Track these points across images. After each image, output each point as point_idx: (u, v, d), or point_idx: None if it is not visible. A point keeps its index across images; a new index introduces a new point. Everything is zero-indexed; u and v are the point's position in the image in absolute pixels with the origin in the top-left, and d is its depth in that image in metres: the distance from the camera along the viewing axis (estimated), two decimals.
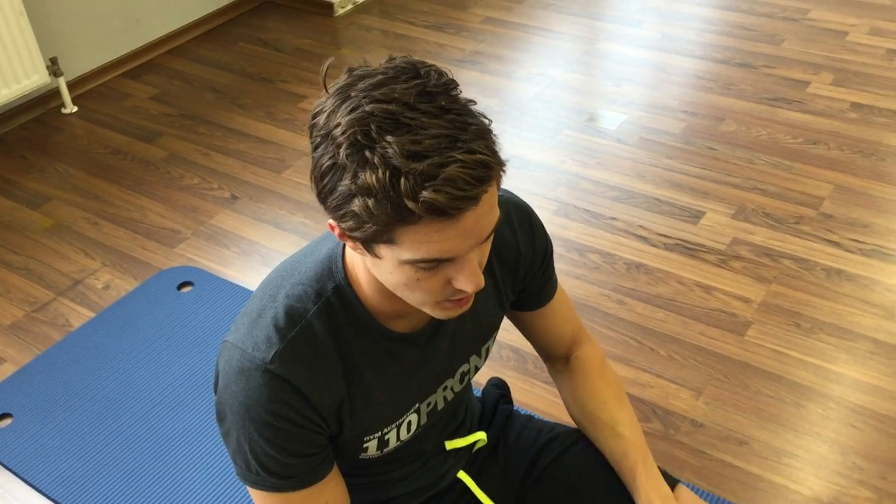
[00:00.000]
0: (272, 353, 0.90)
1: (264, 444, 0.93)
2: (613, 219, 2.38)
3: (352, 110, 0.76)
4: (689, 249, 2.26)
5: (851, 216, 2.34)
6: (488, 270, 1.07)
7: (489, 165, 0.76)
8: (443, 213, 0.75)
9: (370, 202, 0.75)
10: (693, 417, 1.82)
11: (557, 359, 1.26)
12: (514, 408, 1.37)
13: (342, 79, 0.81)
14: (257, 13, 3.67)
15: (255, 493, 1.00)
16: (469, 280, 0.82)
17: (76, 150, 2.83)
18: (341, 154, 0.76)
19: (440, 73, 0.80)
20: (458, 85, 0.82)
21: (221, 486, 1.72)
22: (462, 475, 1.25)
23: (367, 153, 0.74)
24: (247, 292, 2.20)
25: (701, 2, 3.54)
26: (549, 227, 2.26)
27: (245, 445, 0.94)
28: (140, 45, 3.30)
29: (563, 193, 2.49)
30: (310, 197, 2.55)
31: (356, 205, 0.76)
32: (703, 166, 2.56)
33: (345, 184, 0.76)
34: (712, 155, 2.61)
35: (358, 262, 0.93)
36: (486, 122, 0.80)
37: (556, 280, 1.19)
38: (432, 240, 0.77)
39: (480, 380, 1.69)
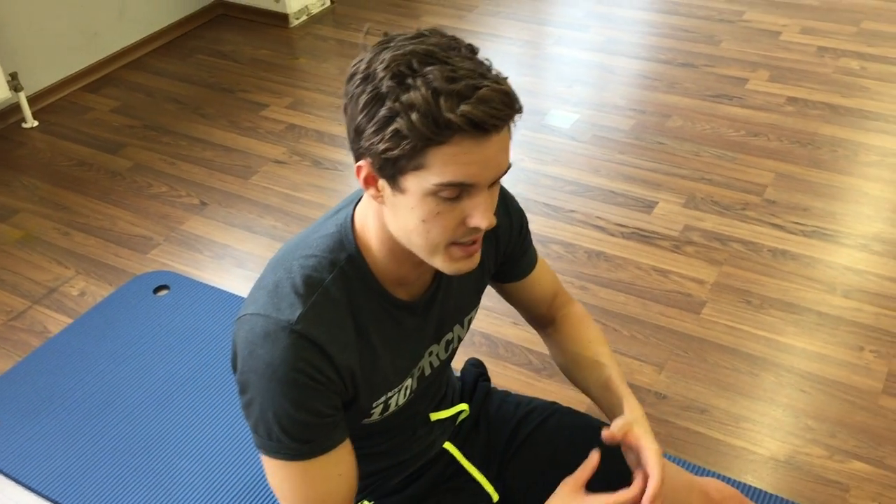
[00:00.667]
0: (297, 314, 0.97)
1: (287, 405, 0.98)
2: (572, 211, 2.50)
3: (394, 51, 0.88)
4: (645, 237, 2.39)
5: (793, 201, 2.50)
6: None
7: (513, 98, 0.89)
8: (478, 127, 0.86)
9: (413, 116, 0.85)
10: (657, 390, 1.94)
11: (546, 323, 1.36)
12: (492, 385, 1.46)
13: (378, 41, 0.94)
14: (213, 26, 3.73)
15: (272, 466, 1.03)
16: (484, 216, 0.92)
17: (40, 164, 2.85)
18: (384, 84, 0.86)
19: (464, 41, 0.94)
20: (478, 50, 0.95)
21: (209, 475, 1.78)
22: (448, 446, 1.33)
23: (410, 80, 0.86)
24: (223, 293, 2.26)
25: (642, 6, 3.71)
26: None
27: (268, 411, 0.98)
28: (99, 58, 3.33)
29: (524, 189, 2.60)
30: (278, 201, 2.62)
31: (398, 123, 0.86)
32: (653, 160, 2.71)
33: (386, 107, 0.86)
34: (661, 149, 2.76)
35: (369, 228, 1.02)
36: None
37: (534, 251, 1.29)
38: (460, 161, 0.87)
39: (458, 364, 1.78)
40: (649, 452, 1.10)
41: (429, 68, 0.86)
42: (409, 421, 1.24)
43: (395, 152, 0.88)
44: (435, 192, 0.90)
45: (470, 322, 1.26)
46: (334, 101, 3.13)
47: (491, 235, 1.19)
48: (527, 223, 1.26)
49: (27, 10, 3.01)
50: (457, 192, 0.90)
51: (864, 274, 2.22)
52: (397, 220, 0.96)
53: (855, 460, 1.76)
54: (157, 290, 2.28)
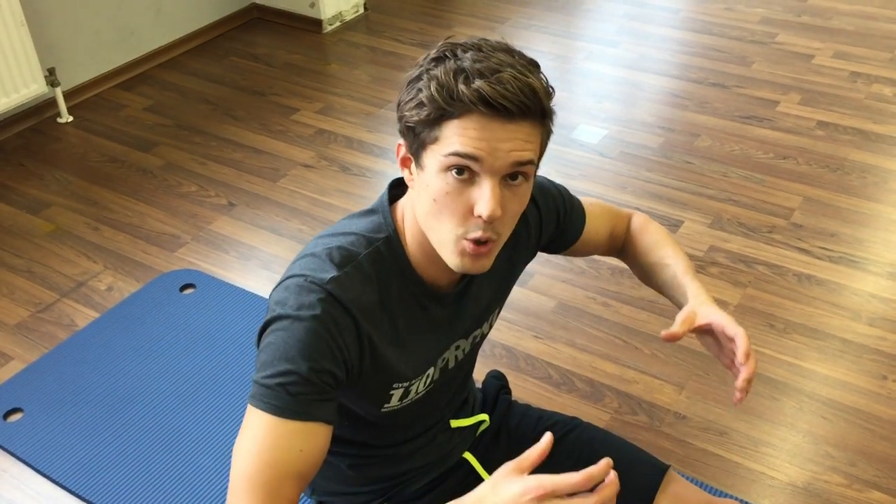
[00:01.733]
0: (330, 276, 1.00)
1: (298, 348, 0.96)
2: None
3: (445, 42, 0.98)
4: None
5: (820, 226, 2.48)
6: (509, 243, 1.16)
7: (537, 93, 0.93)
8: (488, 104, 0.90)
9: (433, 86, 0.93)
10: (676, 410, 1.94)
11: (618, 251, 1.40)
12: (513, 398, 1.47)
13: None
14: (247, 29, 3.77)
15: (249, 416, 0.99)
16: (487, 203, 0.93)
17: (73, 158, 2.89)
18: (426, 63, 0.96)
19: (532, 59, 0.99)
20: (539, 66, 0.99)
21: (229, 472, 1.79)
22: (467, 455, 1.34)
23: (446, 61, 0.94)
24: (247, 294, 2.28)
25: (674, 24, 3.71)
26: None
27: (279, 348, 0.97)
28: (134, 57, 3.37)
29: None
30: (305, 204, 2.65)
31: (422, 92, 0.94)
32: (680, 179, 2.70)
33: (421, 80, 0.95)
34: (689, 168, 2.75)
35: (408, 217, 1.05)
36: (550, 84, 0.98)
37: (580, 211, 1.29)
38: (469, 135, 0.92)
39: (479, 375, 1.78)
40: (721, 318, 1.11)
41: (467, 54, 0.94)
42: (429, 419, 1.25)
43: (415, 119, 0.95)
44: (446, 168, 0.94)
45: (495, 318, 1.28)
46: (364, 107, 3.16)
47: (523, 231, 1.20)
48: (565, 202, 1.26)
49: (65, 6, 3.06)
50: (464, 166, 0.93)
51: (889, 302, 2.20)
52: (419, 202, 1.00)
53: (874, 490, 1.75)
54: (183, 288, 2.31)
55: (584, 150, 2.87)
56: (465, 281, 1.13)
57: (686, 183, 2.68)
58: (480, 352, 2.05)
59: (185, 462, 1.83)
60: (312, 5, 3.67)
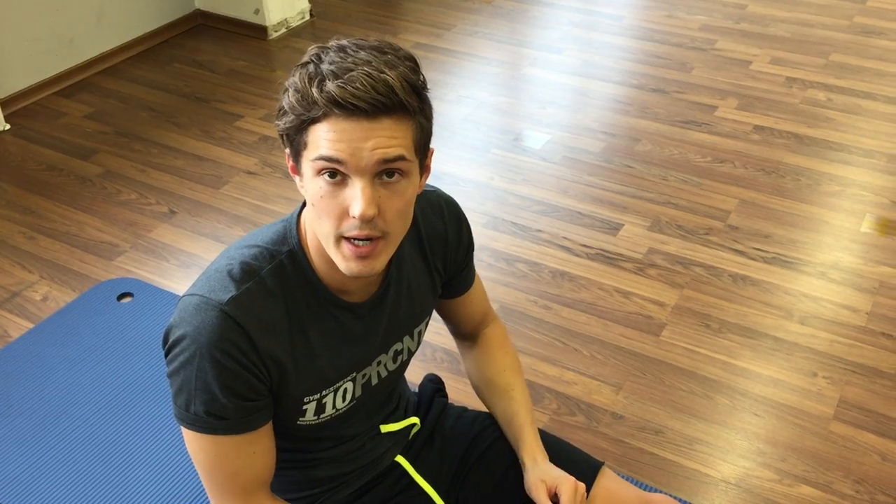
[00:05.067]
0: (227, 297, 1.00)
1: (209, 380, 1.00)
2: (539, 231, 2.53)
3: (314, 46, 0.98)
4: (609, 258, 2.42)
5: (755, 227, 2.54)
6: (421, 254, 1.19)
7: (394, 90, 0.92)
8: (340, 105, 0.90)
9: (292, 93, 0.94)
10: (613, 410, 1.96)
11: (468, 336, 1.40)
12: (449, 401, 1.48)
13: None
14: (191, 35, 3.74)
15: (188, 436, 1.05)
16: (357, 203, 0.93)
17: (9, 167, 2.84)
18: (294, 70, 0.96)
19: (406, 54, 0.98)
20: (417, 64, 0.98)
21: (164, 483, 1.77)
22: (399, 459, 1.33)
23: (308, 66, 0.94)
24: None
25: (618, 32, 3.76)
26: (479, 239, 2.39)
27: (191, 382, 1.00)
28: (74, 64, 3.32)
29: (492, 207, 2.63)
30: (248, 211, 2.63)
31: (285, 100, 0.96)
32: (621, 182, 2.74)
33: (287, 88, 0.96)
34: (629, 172, 2.80)
35: (308, 225, 1.05)
36: (419, 77, 0.96)
37: (474, 271, 1.32)
38: (330, 138, 0.92)
39: (416, 378, 1.79)
40: (562, 481, 1.19)
41: (328, 56, 0.94)
42: (356, 430, 1.25)
43: (283, 127, 0.97)
44: (318, 172, 0.95)
45: (420, 336, 1.27)
46: None
47: (440, 252, 1.21)
48: (473, 245, 1.28)
49: (3, 13, 3.00)
50: (331, 170, 0.94)
51: (821, 301, 2.26)
52: (307, 208, 1.01)
53: (804, 485, 1.79)
54: (120, 297, 2.28)
55: (528, 154, 2.90)
56: (380, 291, 1.13)
57: (626, 187, 2.72)
58: (420, 355, 2.07)
59: (119, 474, 1.80)
60: (257, 12, 3.66)
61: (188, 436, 1.06)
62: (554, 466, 1.23)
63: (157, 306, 2.24)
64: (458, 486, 1.33)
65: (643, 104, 3.18)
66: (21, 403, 1.96)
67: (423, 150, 1.01)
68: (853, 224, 2.55)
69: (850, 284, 2.31)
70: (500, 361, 1.35)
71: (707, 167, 2.82)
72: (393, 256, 1.12)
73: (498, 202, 2.66)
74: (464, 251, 1.25)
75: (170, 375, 1.04)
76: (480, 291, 1.36)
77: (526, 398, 1.31)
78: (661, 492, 1.76)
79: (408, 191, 0.99)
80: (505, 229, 2.54)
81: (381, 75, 0.91)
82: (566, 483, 1.18)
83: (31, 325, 2.19)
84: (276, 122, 0.98)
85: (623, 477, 1.79)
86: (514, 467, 1.31)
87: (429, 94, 0.99)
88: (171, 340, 1.03)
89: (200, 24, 3.82)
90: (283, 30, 3.76)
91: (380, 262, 1.00)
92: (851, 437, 1.89)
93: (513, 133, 3.01)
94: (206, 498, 1.74)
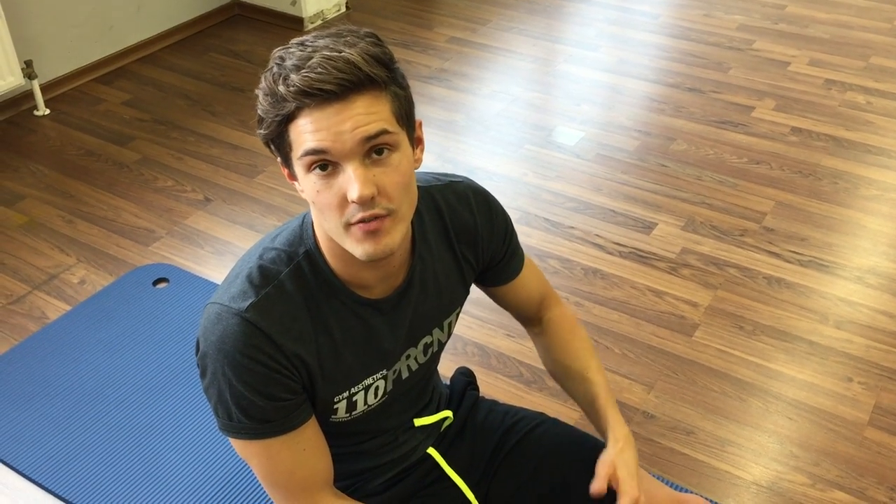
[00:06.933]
0: (247, 303, 1.01)
1: (242, 388, 1.01)
2: (572, 228, 2.52)
3: (276, 49, 0.95)
4: (642, 257, 2.41)
5: (791, 230, 2.51)
6: (447, 246, 1.18)
7: (356, 66, 0.90)
8: (307, 94, 0.89)
9: (261, 98, 0.93)
10: (645, 409, 1.96)
11: (533, 322, 1.39)
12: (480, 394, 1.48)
13: None
14: (228, 25, 3.77)
15: (237, 444, 1.07)
16: (353, 186, 0.92)
17: (49, 151, 2.88)
18: (262, 79, 0.94)
19: (367, 32, 0.96)
20: (379, 39, 0.96)
21: (196, 466, 1.80)
22: (431, 451, 1.34)
23: (273, 69, 0.93)
24: None
25: (654, 30, 3.74)
26: None
27: (225, 393, 1.02)
28: (113, 51, 3.36)
29: (525, 203, 2.63)
30: (281, 201, 2.65)
31: (259, 108, 0.94)
32: (655, 181, 2.73)
33: (257, 97, 0.94)
34: (664, 171, 2.78)
35: (320, 229, 1.04)
36: (382, 49, 0.94)
37: (521, 255, 1.31)
38: (309, 130, 0.91)
39: (448, 372, 1.79)
40: (624, 478, 1.17)
41: (290, 53, 0.92)
42: (388, 425, 1.25)
43: (264, 135, 0.95)
44: (308, 169, 0.94)
45: (451, 327, 1.26)
46: None
47: (470, 244, 1.20)
48: (511, 227, 1.27)
49: (45, 0, 3.05)
50: (320, 162, 0.93)
51: (857, 306, 2.24)
52: (311, 209, 1.01)
53: (837, 490, 1.77)
54: (156, 282, 2.30)
55: (561, 151, 2.89)
56: (403, 285, 1.12)
57: (660, 186, 2.71)
58: (451, 348, 2.07)
59: (153, 457, 1.82)
60: (294, 3, 3.67)
61: (238, 445, 1.07)
62: (634, 465, 1.20)
63: (193, 292, 2.26)
64: (489, 479, 1.34)
65: (678, 103, 3.16)
66: (58, 384, 1.99)
67: (407, 121, 0.98)
68: (891, 229, 2.52)
69: (887, 290, 2.29)
70: (571, 346, 1.33)
71: (743, 168, 2.79)
72: (415, 250, 1.12)
73: (531, 198, 2.66)
74: (499, 239, 1.23)
75: (205, 390, 1.06)
76: (533, 276, 1.34)
77: (602, 378, 1.29)
78: (692, 492, 1.75)
79: (402, 164, 0.96)
80: (538, 225, 2.53)
81: (341, 54, 0.90)
82: (628, 494, 1.16)
83: (68, 308, 2.22)
84: (258, 131, 0.97)
85: (653, 475, 1.79)
86: (543, 462, 1.31)
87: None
88: (199, 353, 1.05)
89: (237, 15, 3.84)
90: (319, 21, 3.77)
91: (392, 240, 0.97)
92: (886, 443, 1.87)
93: (546, 129, 3.00)
94: (239, 481, 1.76)
